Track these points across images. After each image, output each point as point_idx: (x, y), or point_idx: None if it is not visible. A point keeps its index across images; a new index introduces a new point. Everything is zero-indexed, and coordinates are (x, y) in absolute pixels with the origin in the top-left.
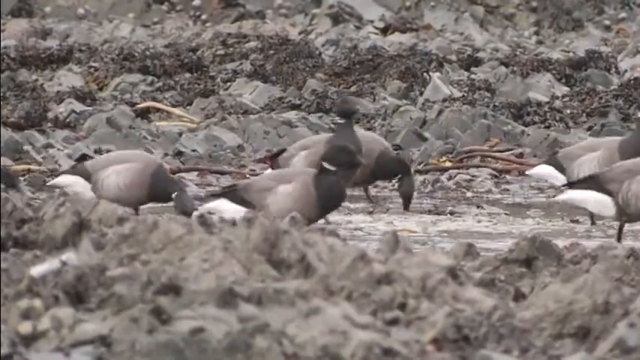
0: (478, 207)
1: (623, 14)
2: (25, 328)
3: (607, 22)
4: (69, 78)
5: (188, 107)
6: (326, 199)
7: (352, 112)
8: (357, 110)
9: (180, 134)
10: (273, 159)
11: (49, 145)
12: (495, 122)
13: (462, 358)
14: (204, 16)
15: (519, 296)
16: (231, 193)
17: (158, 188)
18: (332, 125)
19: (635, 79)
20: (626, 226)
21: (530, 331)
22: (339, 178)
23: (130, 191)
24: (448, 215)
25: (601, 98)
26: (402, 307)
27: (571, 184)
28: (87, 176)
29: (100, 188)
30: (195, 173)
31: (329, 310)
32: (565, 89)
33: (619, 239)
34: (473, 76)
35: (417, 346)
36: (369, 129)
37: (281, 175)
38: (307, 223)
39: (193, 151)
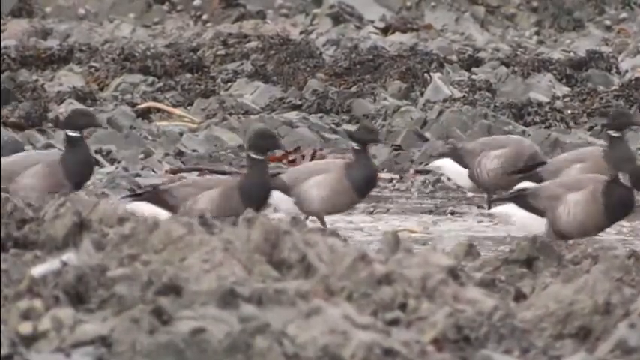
0: (479, 207)
1: (623, 14)
2: (26, 328)
3: (608, 22)
4: (69, 78)
5: (189, 107)
6: (614, 208)
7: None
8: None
9: (181, 134)
10: (529, 171)
11: (49, 146)
12: (496, 122)
13: (462, 358)
14: (204, 16)
15: (520, 296)
16: (520, 199)
17: None
18: (332, 126)
19: (635, 79)
20: (627, 225)
21: (531, 332)
22: (630, 188)
23: None
24: (449, 215)
25: (602, 98)
26: (403, 307)
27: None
28: None
29: None
30: (196, 174)
31: (329, 311)
32: (566, 89)
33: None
34: (473, 76)
35: (418, 346)
36: None
37: (570, 182)
38: (594, 233)
39: (194, 151)
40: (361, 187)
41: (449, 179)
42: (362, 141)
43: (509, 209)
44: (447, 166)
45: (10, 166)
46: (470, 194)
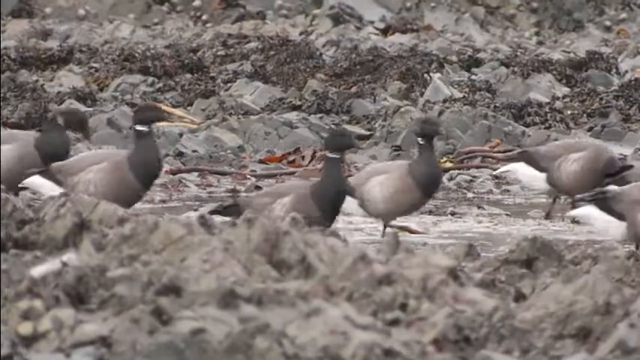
0: (479, 208)
1: (623, 15)
2: (26, 328)
3: (607, 23)
4: (69, 79)
5: (189, 108)
6: None
7: None
8: None
9: (181, 135)
10: (618, 174)
11: None
12: (496, 123)
13: (462, 358)
14: (204, 17)
15: (520, 297)
16: (601, 201)
17: None
18: (332, 126)
19: (635, 79)
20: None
21: (531, 332)
22: None
23: None
24: (449, 216)
25: (602, 99)
26: (403, 307)
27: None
28: None
29: None
30: (196, 174)
31: (329, 311)
32: (566, 90)
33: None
34: (473, 76)
35: (418, 346)
36: (369, 129)
37: None
38: None
39: (194, 151)
40: (426, 185)
41: (520, 183)
42: (427, 135)
43: (590, 211)
44: (521, 169)
45: (76, 162)
46: (470, 195)
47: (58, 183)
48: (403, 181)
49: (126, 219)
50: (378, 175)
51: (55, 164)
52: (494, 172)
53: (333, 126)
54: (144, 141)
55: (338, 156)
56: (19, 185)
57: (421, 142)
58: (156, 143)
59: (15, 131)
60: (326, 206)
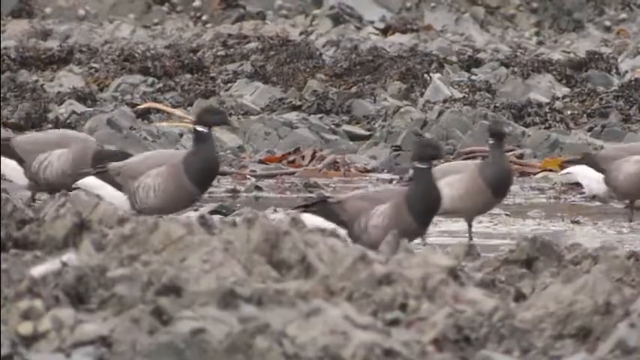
0: None
1: (623, 15)
2: (26, 328)
3: (607, 23)
4: (69, 79)
5: (189, 108)
6: None
7: None
8: None
9: (181, 135)
10: None
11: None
12: None
13: (462, 358)
14: (204, 17)
15: (520, 297)
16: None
17: None
18: (332, 126)
19: (635, 80)
20: (626, 225)
21: (531, 332)
22: None
23: None
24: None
25: (602, 99)
26: (403, 307)
27: None
28: None
29: None
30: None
31: (329, 311)
32: (566, 90)
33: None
34: (473, 77)
35: (418, 346)
36: (369, 130)
37: None
38: None
39: None
40: (496, 185)
41: (582, 186)
42: (497, 135)
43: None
44: (582, 172)
45: (136, 164)
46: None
47: (117, 186)
48: (474, 182)
49: (126, 219)
50: (448, 176)
51: (114, 165)
52: (558, 174)
53: (332, 126)
54: (203, 142)
55: (427, 166)
56: (73, 185)
57: (491, 142)
58: (214, 146)
59: (69, 132)
60: (423, 216)
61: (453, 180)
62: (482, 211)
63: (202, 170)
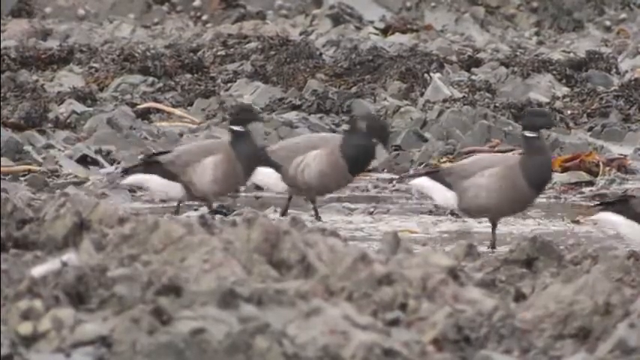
0: None
1: (623, 15)
2: (26, 328)
3: (607, 23)
4: (69, 78)
5: (189, 108)
6: None
7: None
8: None
9: (181, 135)
10: None
11: (49, 146)
12: (496, 123)
13: (462, 358)
14: (204, 17)
15: (520, 297)
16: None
17: None
18: (332, 126)
19: (635, 79)
20: None
21: (531, 332)
22: None
23: None
24: (449, 216)
25: (602, 99)
26: (403, 307)
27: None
28: None
29: None
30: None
31: (329, 311)
32: (566, 90)
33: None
34: (473, 76)
35: (418, 346)
36: None
37: None
38: None
39: None
40: (536, 180)
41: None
42: (537, 127)
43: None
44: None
45: (186, 155)
46: None
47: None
48: (513, 177)
49: (126, 219)
50: (485, 169)
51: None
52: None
53: (332, 126)
54: (242, 141)
55: (536, 135)
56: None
57: (529, 135)
58: (254, 143)
59: (317, 135)
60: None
61: (489, 173)
62: (519, 210)
63: (247, 163)
